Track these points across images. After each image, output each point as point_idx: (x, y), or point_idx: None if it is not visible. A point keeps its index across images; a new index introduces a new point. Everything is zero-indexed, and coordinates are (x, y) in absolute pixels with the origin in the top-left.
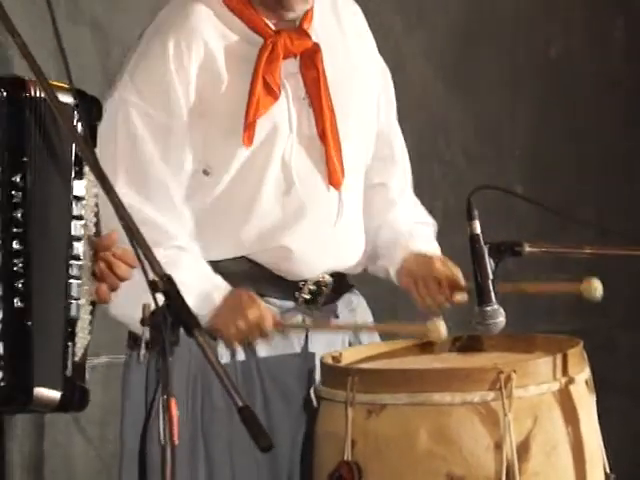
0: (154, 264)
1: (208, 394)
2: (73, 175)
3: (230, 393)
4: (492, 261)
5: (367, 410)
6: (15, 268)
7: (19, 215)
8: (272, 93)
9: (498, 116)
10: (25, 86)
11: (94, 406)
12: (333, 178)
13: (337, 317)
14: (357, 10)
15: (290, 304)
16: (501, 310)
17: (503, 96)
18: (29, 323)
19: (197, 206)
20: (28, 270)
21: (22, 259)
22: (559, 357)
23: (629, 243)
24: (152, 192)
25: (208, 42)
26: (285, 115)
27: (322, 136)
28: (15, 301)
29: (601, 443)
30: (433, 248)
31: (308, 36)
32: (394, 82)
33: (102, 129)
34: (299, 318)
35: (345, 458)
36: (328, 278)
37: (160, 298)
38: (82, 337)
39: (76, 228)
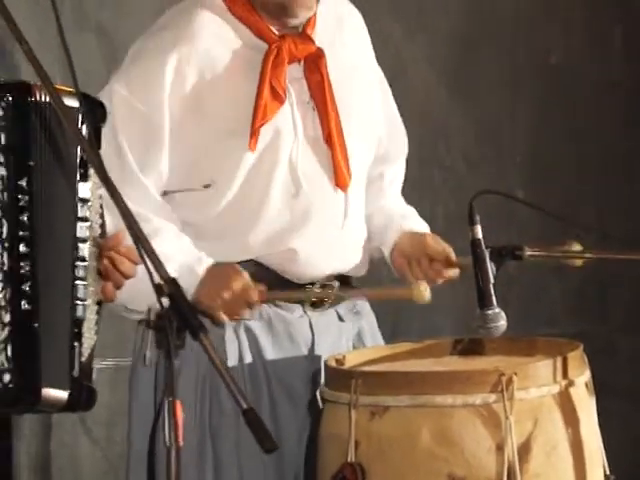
0: (159, 267)
1: (216, 395)
2: (78, 177)
3: (235, 395)
4: (493, 265)
5: (370, 412)
6: (22, 271)
7: (25, 218)
8: (278, 97)
9: (498, 117)
10: (30, 90)
11: (101, 407)
12: (340, 180)
13: (342, 320)
14: (357, 13)
15: (296, 307)
16: (502, 314)
17: (503, 97)
18: (36, 325)
19: (203, 219)
20: (35, 272)
21: (29, 262)
22: (559, 360)
23: (629, 247)
24: (127, 185)
25: (210, 47)
26: (289, 119)
27: (328, 139)
28: (22, 303)
29: (601, 445)
30: (424, 227)
31: (312, 41)
32: (395, 89)
33: None
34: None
35: (349, 459)
36: (335, 282)
37: (165, 301)
38: (89, 337)
39: (81, 230)
